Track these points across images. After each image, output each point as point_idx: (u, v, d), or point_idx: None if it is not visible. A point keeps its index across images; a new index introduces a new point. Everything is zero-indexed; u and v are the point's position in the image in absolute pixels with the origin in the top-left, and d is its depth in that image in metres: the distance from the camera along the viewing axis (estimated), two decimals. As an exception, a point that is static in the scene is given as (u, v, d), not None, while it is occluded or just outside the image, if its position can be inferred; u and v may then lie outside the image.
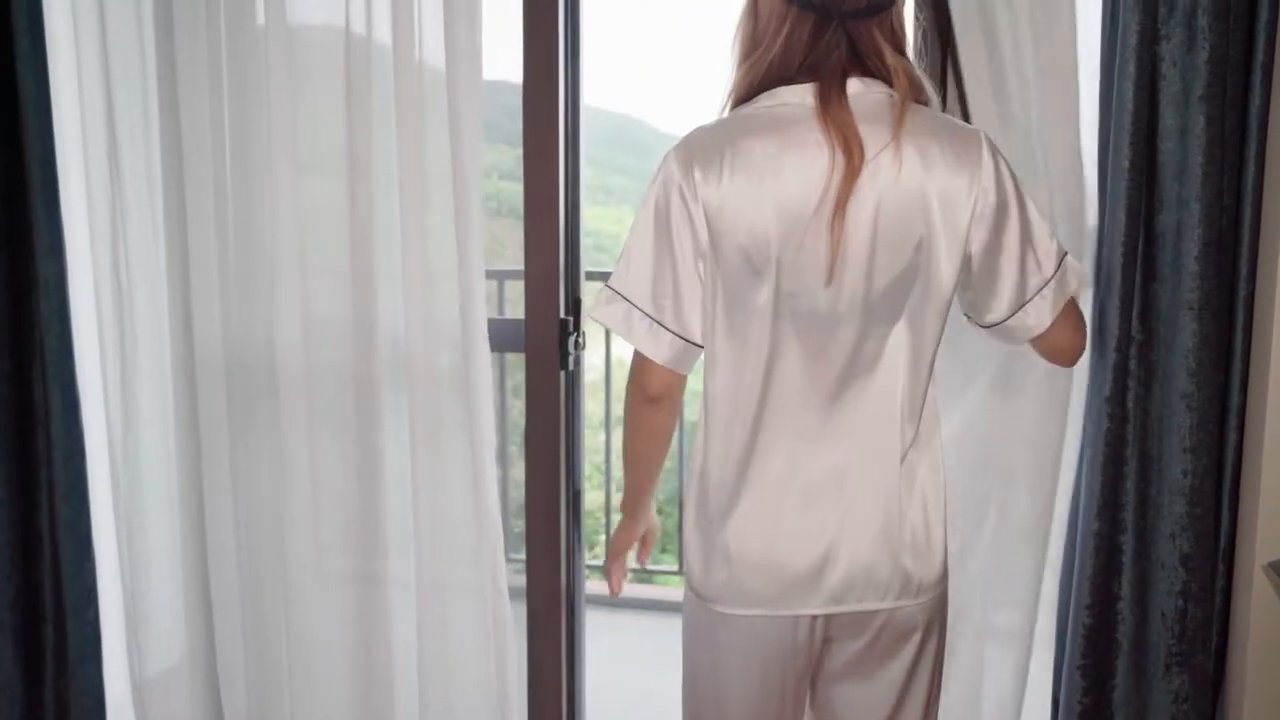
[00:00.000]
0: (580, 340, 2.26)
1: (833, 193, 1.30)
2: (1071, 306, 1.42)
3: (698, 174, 1.34)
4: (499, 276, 3.34)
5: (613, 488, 4.57)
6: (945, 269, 1.35)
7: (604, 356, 4.10)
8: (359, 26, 2.09)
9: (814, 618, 1.43)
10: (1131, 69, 1.69)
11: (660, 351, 1.43)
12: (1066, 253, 1.41)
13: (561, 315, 2.21)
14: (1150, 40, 1.68)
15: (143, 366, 2.28)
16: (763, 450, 1.41)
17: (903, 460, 1.41)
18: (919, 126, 1.32)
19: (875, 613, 1.42)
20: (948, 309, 1.40)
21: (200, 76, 2.16)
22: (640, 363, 1.47)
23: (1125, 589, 1.79)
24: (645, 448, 1.55)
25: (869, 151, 1.30)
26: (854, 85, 1.33)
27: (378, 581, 2.23)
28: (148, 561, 2.32)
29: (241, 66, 2.16)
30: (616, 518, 1.76)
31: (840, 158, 1.29)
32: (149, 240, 2.27)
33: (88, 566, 2.19)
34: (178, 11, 2.16)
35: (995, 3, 1.76)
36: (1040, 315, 1.39)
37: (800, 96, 1.33)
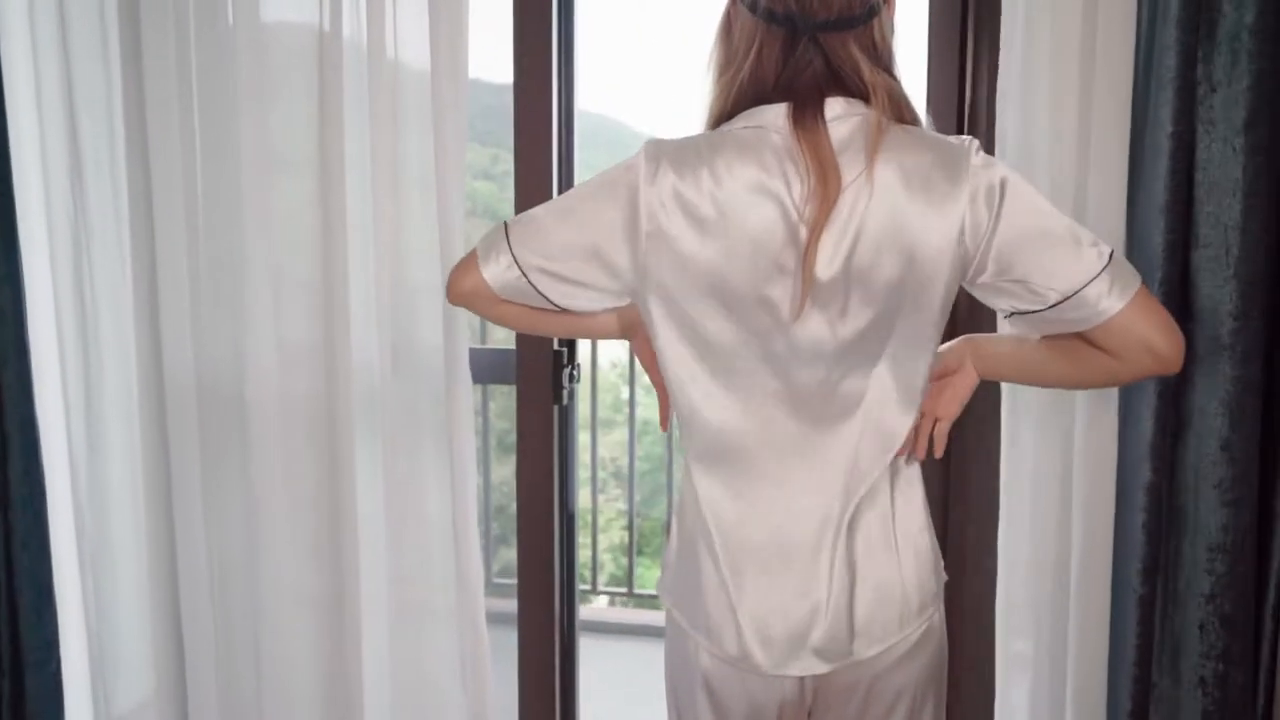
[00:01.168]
0: (575, 373, 2.14)
1: (805, 223, 1.22)
2: (1148, 298, 1.26)
3: (671, 176, 1.25)
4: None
5: (597, 488, 4.49)
6: (933, 305, 1.26)
7: (590, 355, 4.00)
8: (347, 30, 1.98)
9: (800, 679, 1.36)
10: (1170, 95, 1.57)
11: (491, 267, 1.34)
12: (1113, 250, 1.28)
13: (555, 346, 2.08)
14: (1189, 62, 1.57)
15: (109, 398, 2.15)
16: (729, 498, 1.35)
17: (886, 504, 1.35)
18: (900, 148, 1.23)
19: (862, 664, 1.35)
20: (937, 345, 1.31)
21: (168, 82, 2.04)
22: (464, 263, 1.37)
23: (1158, 652, 1.68)
24: (514, 324, 1.44)
25: (846, 178, 1.21)
26: (834, 107, 1.24)
27: (353, 615, 2.11)
28: (115, 603, 2.20)
29: (211, 71, 2.03)
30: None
31: (814, 184, 1.21)
32: (114, 261, 2.15)
33: (48, 617, 2.05)
34: (144, 13, 2.02)
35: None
36: (1105, 297, 1.23)
37: (776, 117, 1.25)
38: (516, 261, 1.32)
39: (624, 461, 6.48)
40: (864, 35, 1.25)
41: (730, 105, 1.29)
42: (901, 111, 1.26)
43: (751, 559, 1.34)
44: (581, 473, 5.24)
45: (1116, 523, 1.74)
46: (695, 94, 1.36)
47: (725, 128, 1.28)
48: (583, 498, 4.93)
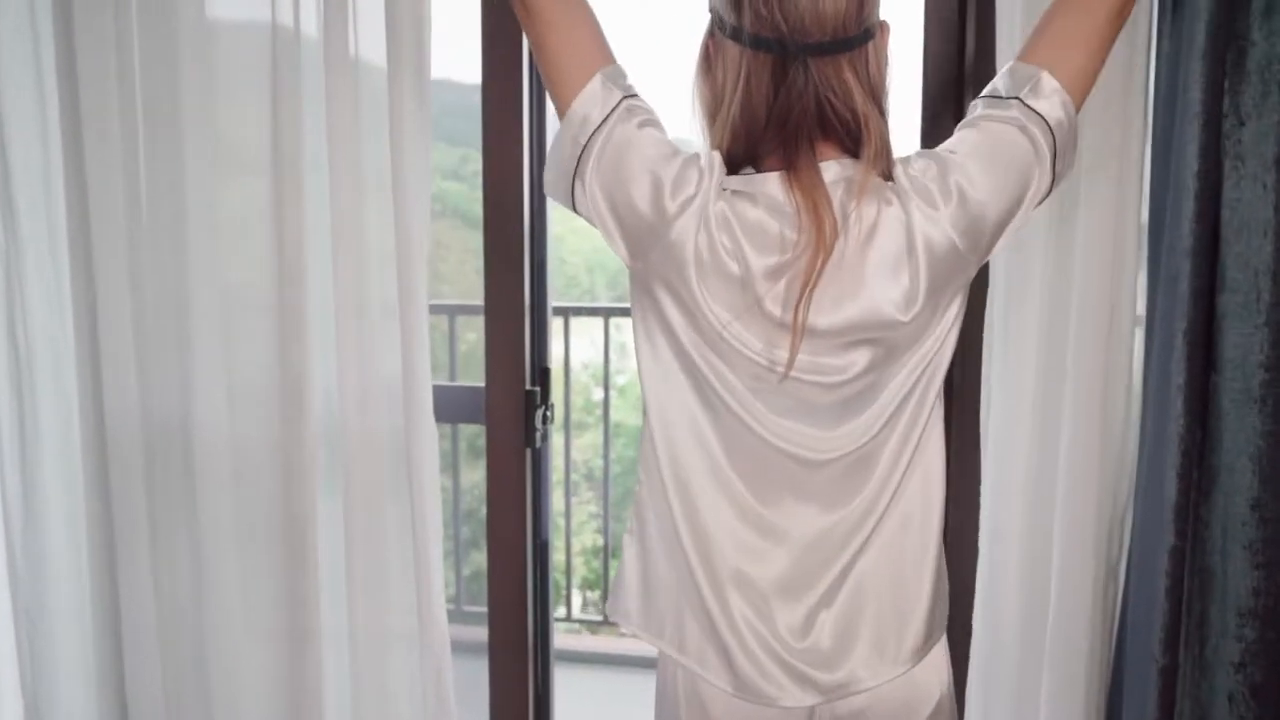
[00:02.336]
0: (549, 414, 1.99)
1: (799, 272, 1.17)
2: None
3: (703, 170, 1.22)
4: (449, 311, 3.06)
5: (571, 492, 4.37)
6: (919, 355, 1.25)
7: (563, 355, 3.90)
8: (304, 27, 1.81)
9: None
10: (1196, 130, 1.44)
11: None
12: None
13: (528, 386, 1.94)
14: (1216, 95, 1.44)
15: (46, 446, 1.98)
16: (719, 517, 1.30)
17: (897, 528, 1.32)
18: (871, 201, 1.20)
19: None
20: (938, 386, 1.29)
21: (108, 90, 1.86)
22: None
23: (1183, 727, 1.57)
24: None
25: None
26: (831, 169, 1.20)
27: (312, 689, 1.95)
28: (53, 667, 2.03)
29: (155, 74, 1.85)
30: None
31: (808, 230, 1.16)
32: (50, 292, 1.97)
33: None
34: (78, 12, 1.84)
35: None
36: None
37: (775, 189, 1.20)
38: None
39: (596, 464, 6.36)
40: (858, 60, 1.19)
41: (728, 146, 1.23)
42: (884, 162, 1.21)
43: (748, 585, 1.29)
44: (553, 475, 5.14)
45: (1135, 589, 1.62)
46: (691, 133, 1.30)
47: (732, 186, 1.21)
48: (555, 499, 4.82)
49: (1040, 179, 1.23)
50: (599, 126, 1.22)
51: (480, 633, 2.07)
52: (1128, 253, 1.63)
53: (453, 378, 3.31)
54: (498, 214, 1.91)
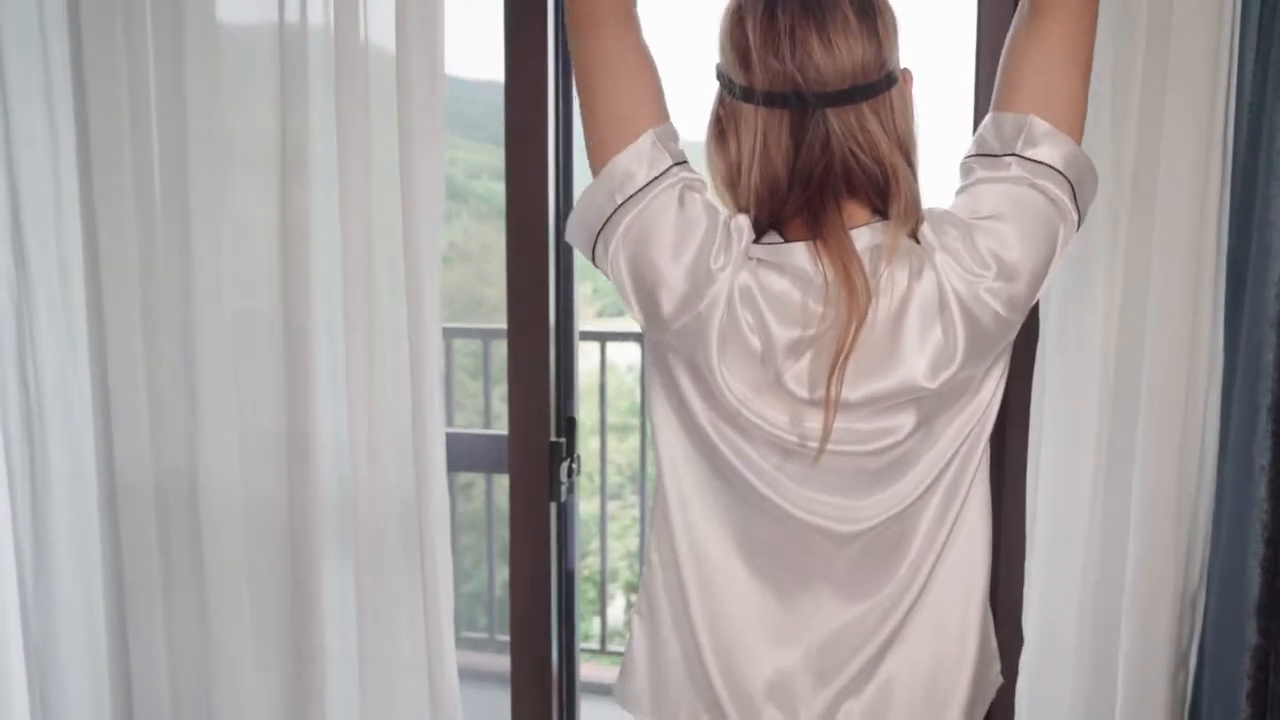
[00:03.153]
0: (575, 466, 1.88)
1: (826, 346, 1.06)
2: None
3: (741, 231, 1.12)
4: (484, 336, 2.95)
5: (606, 496, 4.27)
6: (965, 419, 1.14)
7: (598, 362, 3.84)
8: (312, 15, 1.70)
9: None
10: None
11: None
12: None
13: (553, 438, 1.82)
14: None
15: (56, 493, 1.90)
16: (739, 603, 1.20)
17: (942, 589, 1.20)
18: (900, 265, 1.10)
19: None
20: (982, 447, 1.17)
21: (118, 101, 1.77)
22: None
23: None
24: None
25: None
26: (863, 236, 1.09)
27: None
28: (64, 716, 1.95)
29: (164, 72, 1.75)
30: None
31: (838, 300, 1.05)
32: (61, 335, 1.89)
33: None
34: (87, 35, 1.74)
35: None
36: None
37: (803, 259, 1.09)
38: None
39: (640, 467, 6.25)
40: (881, 108, 1.09)
41: (753, 214, 1.13)
42: (913, 218, 1.10)
43: (768, 676, 1.18)
44: (587, 485, 5.04)
45: (1211, 685, 1.47)
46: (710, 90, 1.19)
47: (758, 255, 1.11)
48: (589, 509, 4.72)
49: (1066, 225, 1.13)
50: (641, 189, 1.11)
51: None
52: (1203, 317, 1.47)
53: (487, 404, 3.21)
54: (520, 249, 1.79)
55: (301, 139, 1.72)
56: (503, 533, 3.36)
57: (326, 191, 1.74)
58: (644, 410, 4.09)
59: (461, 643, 3.25)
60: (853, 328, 1.05)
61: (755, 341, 1.09)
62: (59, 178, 1.85)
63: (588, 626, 5.18)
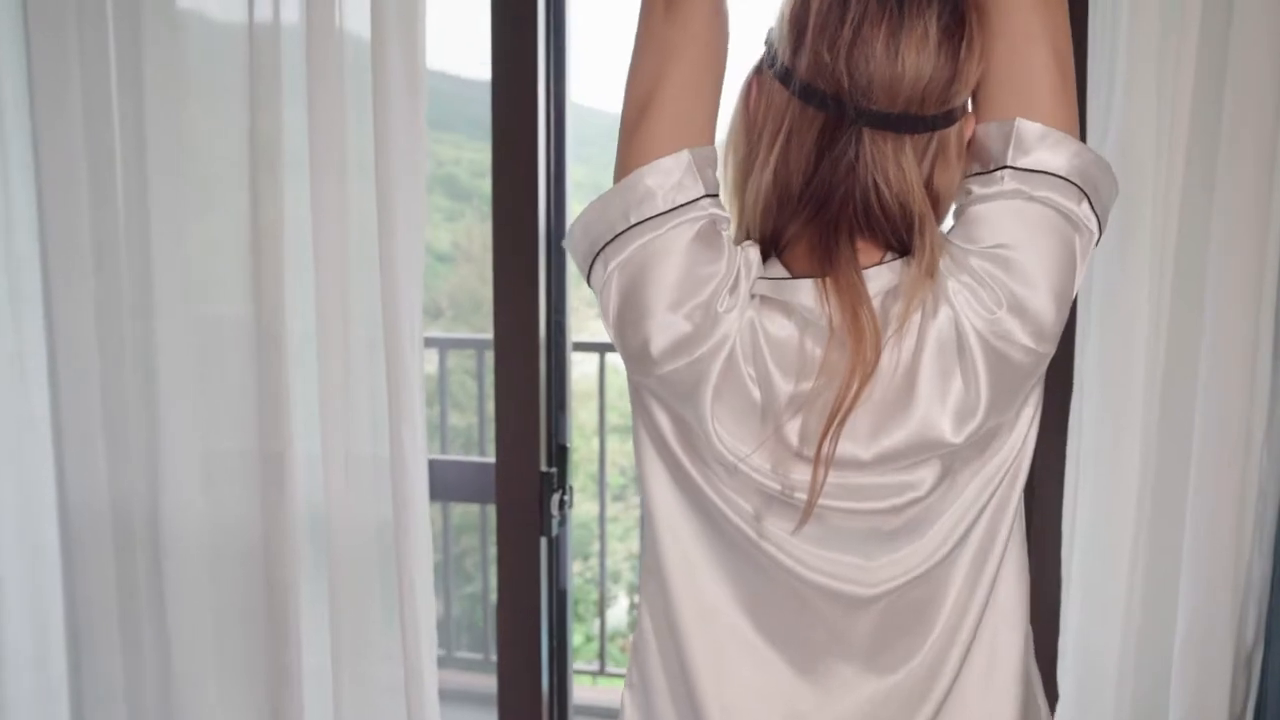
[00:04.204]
0: (567, 498, 1.71)
1: (829, 400, 0.89)
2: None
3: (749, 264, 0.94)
4: (479, 348, 2.79)
5: (608, 497, 4.13)
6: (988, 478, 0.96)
7: (598, 364, 3.67)
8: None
9: None
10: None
11: None
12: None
13: (543, 468, 1.66)
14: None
15: (5, 534, 1.74)
16: (742, 681, 1.02)
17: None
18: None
19: None
20: (1017, 497, 0.99)
21: (70, 108, 1.61)
22: None
23: None
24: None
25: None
26: (880, 277, 0.93)
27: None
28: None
29: (125, 69, 1.60)
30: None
31: (842, 349, 0.89)
32: (8, 350, 1.73)
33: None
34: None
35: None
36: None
37: (809, 298, 0.92)
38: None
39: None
40: (927, 148, 0.91)
41: (758, 221, 0.97)
42: (933, 271, 0.91)
43: None
44: (589, 486, 4.89)
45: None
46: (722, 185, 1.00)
47: (763, 291, 0.94)
48: (590, 510, 4.57)
49: (1081, 236, 0.94)
50: (659, 216, 0.93)
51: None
52: (1263, 348, 1.30)
53: (481, 424, 3.05)
54: (507, 261, 1.62)
55: (273, 134, 1.57)
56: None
57: (299, 191, 1.58)
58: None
59: (455, 663, 3.09)
60: (855, 382, 0.88)
61: (756, 394, 0.92)
62: (7, 174, 1.70)
63: (587, 628, 5.04)
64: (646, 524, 1.02)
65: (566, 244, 1.02)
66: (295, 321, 1.62)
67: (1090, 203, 0.94)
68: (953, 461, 0.95)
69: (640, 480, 1.01)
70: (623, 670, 3.98)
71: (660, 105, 0.94)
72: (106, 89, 1.60)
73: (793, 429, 0.92)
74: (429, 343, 3.49)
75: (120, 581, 1.69)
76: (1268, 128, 1.27)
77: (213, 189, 1.62)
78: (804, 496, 0.92)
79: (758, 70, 0.97)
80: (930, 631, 1.00)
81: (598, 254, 0.97)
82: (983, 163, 0.94)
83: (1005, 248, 0.91)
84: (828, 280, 0.91)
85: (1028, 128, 0.91)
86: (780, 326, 0.92)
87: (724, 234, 0.94)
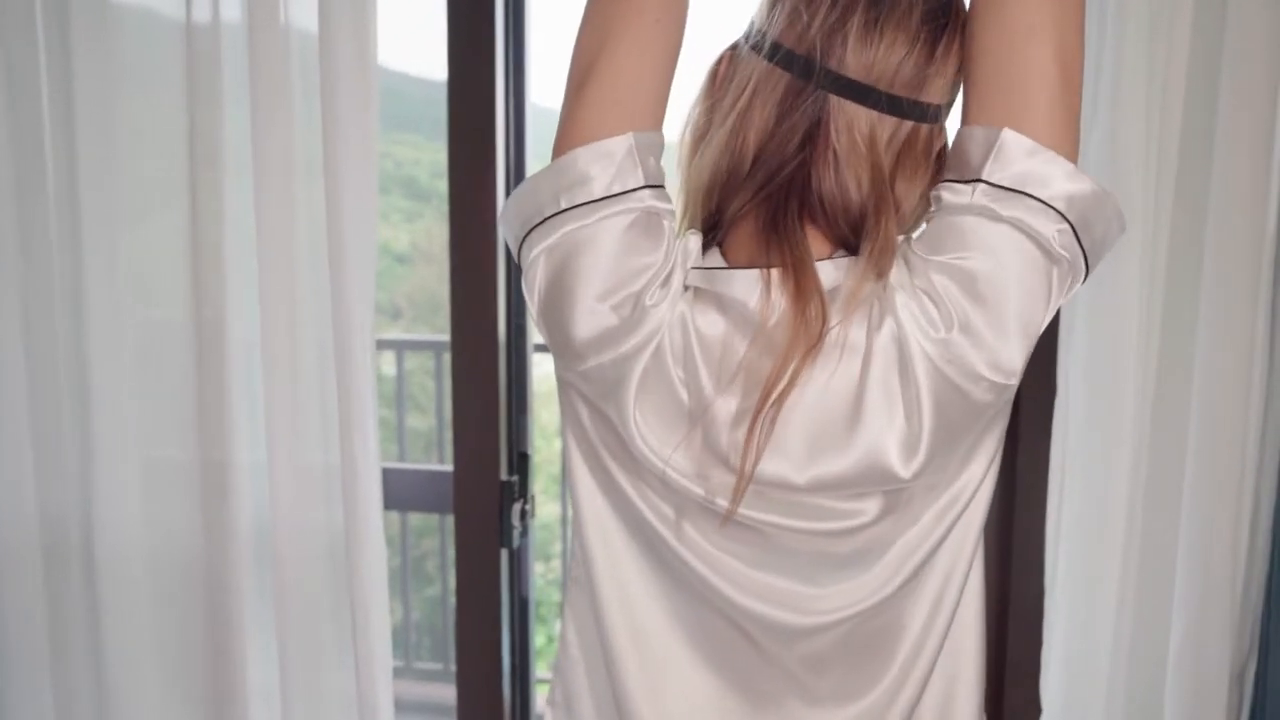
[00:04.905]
0: (529, 507, 1.62)
1: (760, 380, 0.80)
2: None
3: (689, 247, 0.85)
4: (437, 348, 2.68)
5: (568, 500, 4.05)
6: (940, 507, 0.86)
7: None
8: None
9: None
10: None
11: None
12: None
13: (504, 477, 1.56)
14: None
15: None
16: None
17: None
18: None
19: None
20: (975, 538, 0.89)
21: None
22: None
23: None
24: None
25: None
26: (824, 271, 0.82)
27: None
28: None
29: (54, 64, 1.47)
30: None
31: (786, 310, 0.80)
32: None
33: None
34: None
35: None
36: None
37: (749, 291, 0.82)
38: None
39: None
40: (894, 133, 0.83)
41: (704, 187, 0.88)
42: (881, 267, 0.81)
43: None
44: (551, 488, 4.79)
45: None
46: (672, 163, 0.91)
47: (696, 282, 0.84)
48: (552, 511, 4.48)
49: (1060, 269, 0.82)
50: (592, 203, 0.84)
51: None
52: (1258, 353, 1.23)
53: (439, 429, 2.94)
54: (466, 264, 1.52)
55: (214, 131, 1.46)
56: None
57: (242, 190, 1.47)
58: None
59: (413, 674, 2.98)
60: (792, 364, 0.79)
61: (684, 396, 0.83)
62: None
63: (549, 629, 4.96)
64: (575, 534, 0.93)
65: (501, 220, 0.93)
66: (238, 324, 1.51)
67: (1076, 235, 0.82)
68: (898, 498, 0.85)
69: (570, 487, 0.92)
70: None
71: (601, 78, 0.84)
72: (35, 80, 1.48)
73: (721, 434, 0.83)
74: (386, 344, 3.38)
75: (50, 599, 1.57)
76: (1264, 118, 1.20)
77: (150, 187, 1.51)
78: (724, 502, 0.83)
79: (732, 47, 0.88)
80: (887, 668, 0.90)
81: (526, 236, 0.87)
82: (959, 171, 0.83)
83: (968, 263, 0.80)
84: (772, 256, 0.82)
85: (1014, 141, 0.80)
86: (712, 323, 0.83)
87: (666, 225, 0.85)
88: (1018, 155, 0.80)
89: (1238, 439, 1.22)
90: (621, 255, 0.83)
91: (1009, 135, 0.80)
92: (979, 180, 0.81)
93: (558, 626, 4.45)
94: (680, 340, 0.82)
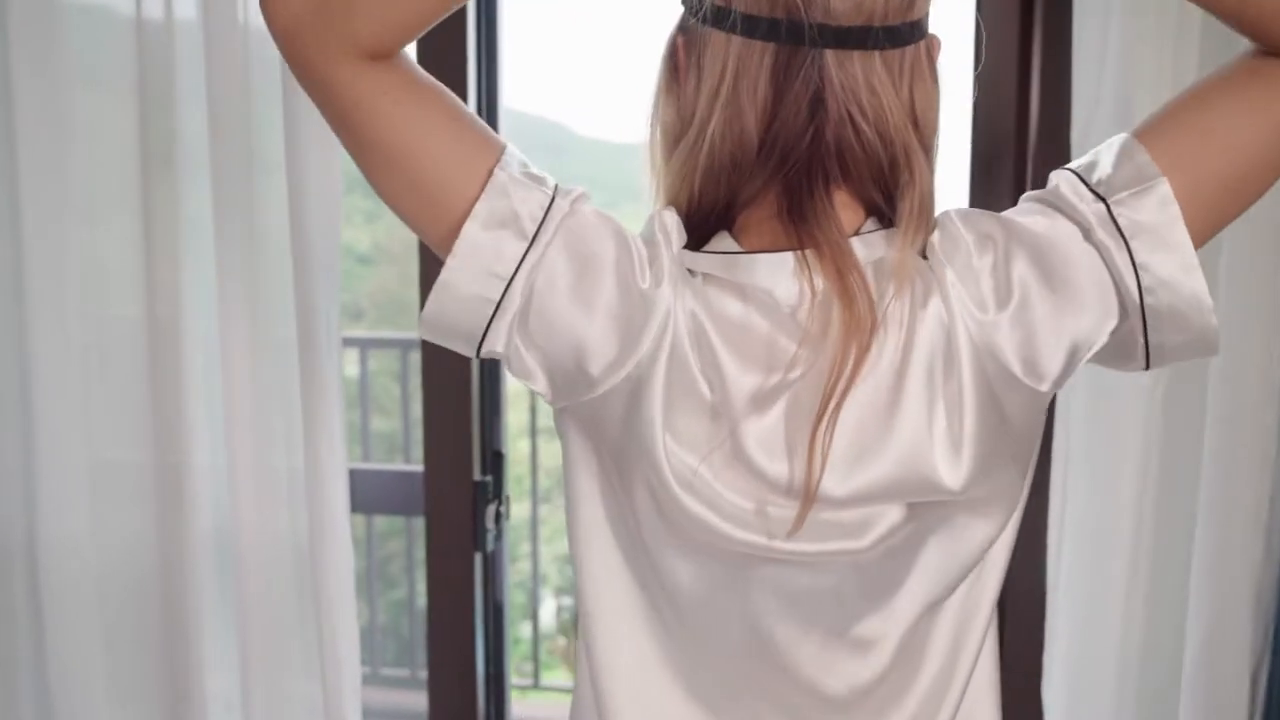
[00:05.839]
0: (504, 509, 1.52)
1: (807, 393, 0.71)
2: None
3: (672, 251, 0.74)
4: (404, 347, 2.58)
5: (539, 499, 4.01)
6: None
7: None
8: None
9: None
10: None
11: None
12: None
13: (477, 477, 1.46)
14: None
15: None
16: None
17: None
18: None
19: None
20: (997, 580, 0.80)
21: None
22: None
23: None
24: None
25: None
26: (855, 246, 0.73)
27: None
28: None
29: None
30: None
31: (834, 321, 0.70)
32: None
33: None
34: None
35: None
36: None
37: (776, 278, 0.73)
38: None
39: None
40: (898, 65, 0.73)
41: (698, 189, 0.76)
42: (927, 229, 0.75)
43: None
44: (515, 487, 4.72)
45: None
46: (640, 163, 0.82)
47: (702, 260, 0.75)
48: (519, 511, 4.39)
49: (1121, 330, 0.74)
50: (524, 258, 0.73)
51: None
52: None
53: (406, 430, 2.84)
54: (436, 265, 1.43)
55: (167, 130, 1.38)
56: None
57: (199, 188, 1.39)
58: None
59: (379, 680, 2.87)
60: (849, 365, 0.69)
61: (704, 388, 0.73)
62: None
63: (515, 631, 4.86)
64: (583, 614, 0.80)
65: (432, 337, 0.79)
66: (195, 322, 1.41)
67: (1145, 328, 0.73)
68: (931, 516, 0.75)
69: (574, 539, 0.79)
70: (559, 683, 3.79)
71: (438, 169, 0.73)
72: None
73: (759, 443, 0.72)
74: (348, 343, 3.26)
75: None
76: None
77: (101, 184, 1.42)
78: (782, 546, 0.72)
79: (681, 29, 0.78)
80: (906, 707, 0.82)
81: (481, 341, 0.75)
82: (1088, 167, 0.75)
83: (1050, 249, 0.73)
84: (803, 241, 0.72)
85: (1165, 204, 0.71)
86: (732, 307, 0.73)
87: (586, 204, 0.75)
88: (1155, 211, 0.71)
89: (1259, 432, 1.15)
90: (577, 256, 0.73)
91: (1164, 187, 0.71)
92: (1104, 199, 0.72)
93: (524, 629, 4.33)
94: (696, 331, 0.73)
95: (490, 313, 0.73)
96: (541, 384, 0.76)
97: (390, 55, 0.73)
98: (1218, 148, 0.72)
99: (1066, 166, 0.77)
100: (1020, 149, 1.34)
